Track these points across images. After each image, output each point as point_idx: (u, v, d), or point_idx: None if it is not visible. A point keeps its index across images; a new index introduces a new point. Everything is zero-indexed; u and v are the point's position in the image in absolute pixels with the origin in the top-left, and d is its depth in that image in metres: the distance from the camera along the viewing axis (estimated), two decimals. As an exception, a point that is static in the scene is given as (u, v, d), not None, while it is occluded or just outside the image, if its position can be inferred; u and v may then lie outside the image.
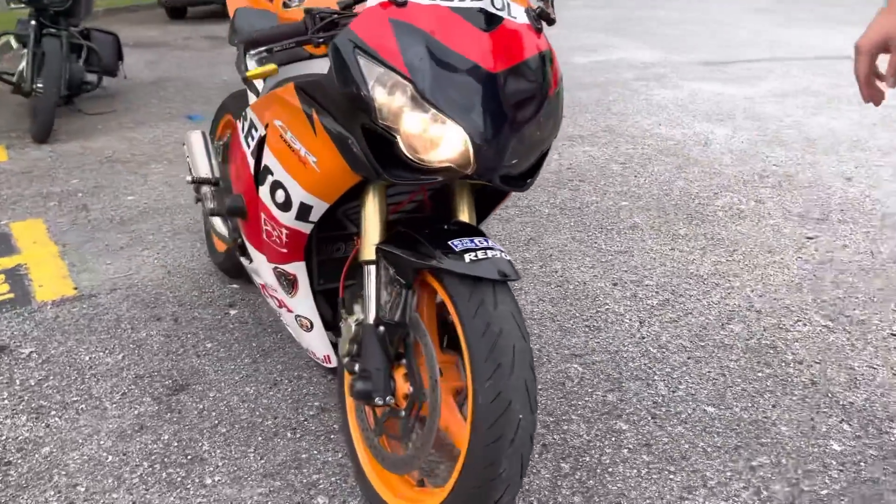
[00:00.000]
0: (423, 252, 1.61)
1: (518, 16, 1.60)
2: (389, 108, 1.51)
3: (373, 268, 1.73)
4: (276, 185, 1.84)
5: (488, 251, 1.59)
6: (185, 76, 7.61)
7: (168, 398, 2.38)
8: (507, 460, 1.50)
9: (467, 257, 1.57)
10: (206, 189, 2.65)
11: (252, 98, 2.54)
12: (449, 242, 1.60)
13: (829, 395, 2.36)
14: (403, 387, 1.71)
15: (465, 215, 1.77)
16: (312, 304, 2.01)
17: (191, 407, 2.33)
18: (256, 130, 2.01)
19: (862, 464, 2.06)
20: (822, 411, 2.28)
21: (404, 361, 1.71)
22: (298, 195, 1.78)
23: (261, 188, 1.93)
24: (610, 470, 2.03)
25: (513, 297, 1.58)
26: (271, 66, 1.68)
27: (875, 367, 2.51)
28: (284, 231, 1.89)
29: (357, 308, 1.82)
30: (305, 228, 1.86)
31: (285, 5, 2.13)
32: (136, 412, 2.30)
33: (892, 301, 2.95)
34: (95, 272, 3.25)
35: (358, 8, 1.76)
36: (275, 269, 2.03)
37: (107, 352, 2.66)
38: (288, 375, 2.50)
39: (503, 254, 1.59)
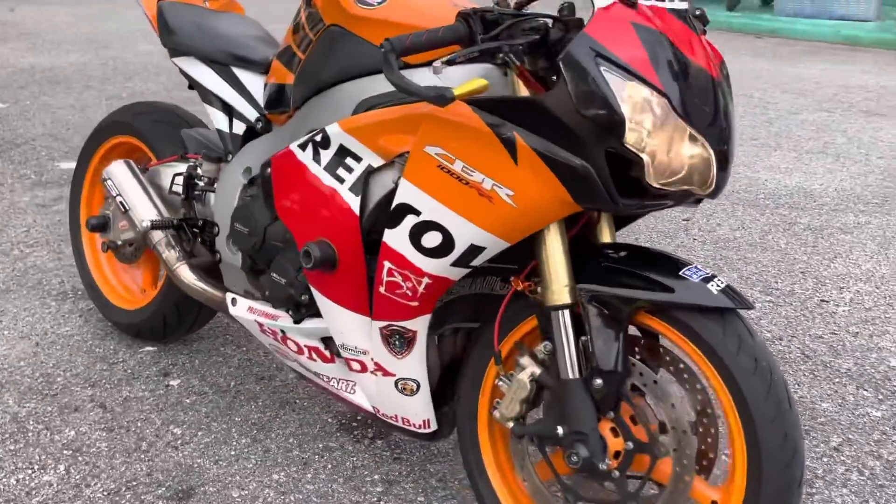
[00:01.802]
0: (649, 287, 1.41)
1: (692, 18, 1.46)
2: (641, 127, 1.29)
3: (566, 313, 1.47)
4: (426, 227, 1.48)
5: (718, 278, 1.44)
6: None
7: (182, 513, 1.83)
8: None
9: (712, 287, 1.40)
10: (161, 236, 2.07)
11: (216, 120, 2.03)
12: (680, 273, 1.42)
13: None
14: (615, 443, 1.49)
15: (607, 236, 1.59)
16: (425, 362, 1.67)
17: (224, 517, 1.82)
18: (359, 161, 1.59)
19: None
20: None
21: (611, 414, 1.49)
22: (469, 237, 1.44)
23: (389, 232, 1.53)
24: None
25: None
26: (482, 83, 1.32)
27: None
28: (426, 280, 1.53)
29: (525, 361, 1.54)
30: (457, 275, 1.53)
31: (365, 3, 1.70)
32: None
33: None
34: (-68, 362, 2.40)
35: (532, 7, 1.47)
36: (386, 327, 1.64)
37: (38, 469, 1.97)
38: (313, 449, 2.06)
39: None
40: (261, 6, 8.76)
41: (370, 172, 1.56)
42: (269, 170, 1.74)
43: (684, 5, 1.41)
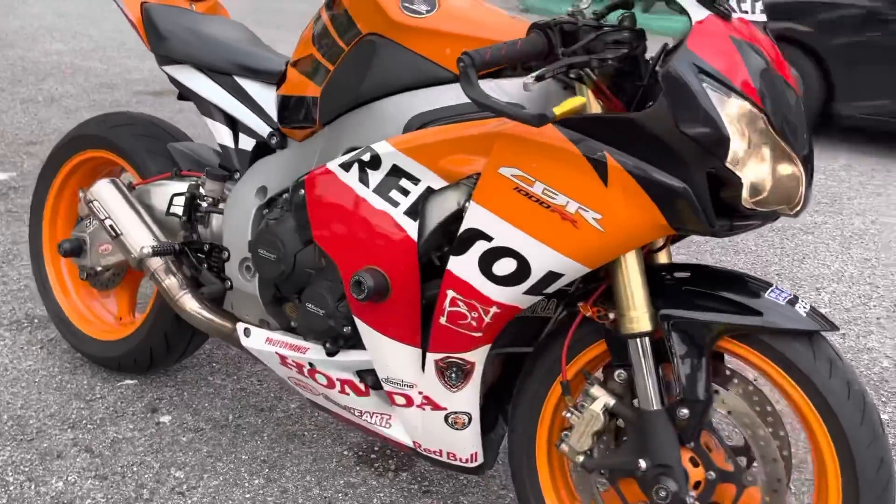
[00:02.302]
0: (737, 311, 1.36)
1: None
2: (741, 145, 1.23)
3: (646, 340, 1.40)
4: (498, 254, 1.37)
5: (802, 299, 1.40)
6: None
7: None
8: None
9: (799, 309, 1.36)
10: (160, 263, 1.88)
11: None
12: (764, 295, 1.38)
13: None
14: (695, 473, 1.43)
15: (665, 257, 1.53)
16: (479, 395, 1.57)
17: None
18: (417, 182, 1.46)
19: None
20: None
21: (691, 444, 1.43)
22: (547, 263, 1.34)
23: (455, 259, 1.42)
24: None
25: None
26: (580, 101, 1.22)
27: None
28: (493, 310, 1.42)
29: (596, 391, 1.46)
30: (527, 303, 1.43)
31: (412, 11, 1.55)
32: None
33: None
34: None
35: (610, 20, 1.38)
36: (443, 359, 1.52)
37: (29, 527, 1.76)
38: (334, 486, 1.91)
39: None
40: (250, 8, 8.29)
41: (429, 195, 1.45)
42: (302, 191, 1.60)
43: (763, 17, 1.36)
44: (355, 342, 1.62)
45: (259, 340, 1.81)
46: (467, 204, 1.40)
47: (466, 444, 1.62)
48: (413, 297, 1.50)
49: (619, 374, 1.45)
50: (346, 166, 1.52)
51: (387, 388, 1.62)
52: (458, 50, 1.46)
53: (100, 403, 2.19)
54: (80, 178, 2.33)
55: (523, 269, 1.36)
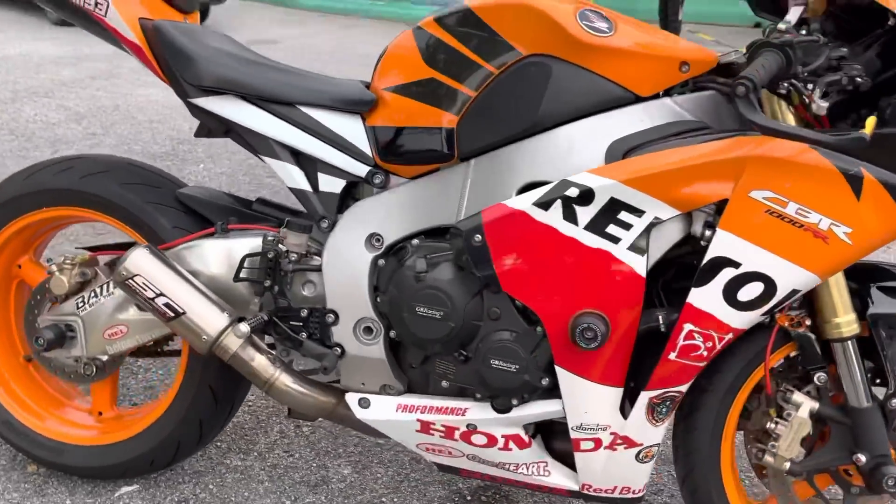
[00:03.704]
0: None
1: None
2: None
3: (854, 342, 1.46)
4: (746, 279, 1.33)
5: None
6: None
7: None
8: None
9: None
10: (239, 342, 1.52)
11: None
12: None
13: None
14: None
15: None
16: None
17: None
18: (641, 215, 1.34)
19: None
20: None
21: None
22: (792, 282, 1.34)
23: (696, 291, 1.34)
24: None
25: None
26: (873, 119, 1.20)
27: None
28: (727, 337, 1.38)
29: (798, 398, 1.49)
30: (751, 325, 1.41)
31: (595, 30, 1.36)
32: None
33: None
34: None
35: None
36: (660, 395, 1.44)
37: None
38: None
39: None
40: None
41: (652, 226, 1.35)
42: (478, 237, 1.40)
43: None
44: (541, 394, 1.48)
45: (385, 410, 1.57)
46: (706, 232, 1.34)
47: (644, 476, 1.57)
48: (630, 336, 1.41)
49: (820, 377, 1.49)
50: (544, 205, 1.37)
51: (574, 435, 1.51)
52: (640, 70, 1.40)
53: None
54: (16, 249, 1.82)
55: (769, 291, 1.35)
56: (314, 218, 1.57)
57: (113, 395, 1.87)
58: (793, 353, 1.53)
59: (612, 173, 1.35)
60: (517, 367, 1.44)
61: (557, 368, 1.44)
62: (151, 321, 1.64)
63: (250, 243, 1.59)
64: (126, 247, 1.78)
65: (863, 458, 1.48)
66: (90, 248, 1.79)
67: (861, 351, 1.46)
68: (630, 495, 1.58)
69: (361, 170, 1.55)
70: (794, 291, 1.36)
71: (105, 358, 1.69)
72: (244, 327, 1.50)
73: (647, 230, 1.36)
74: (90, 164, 1.73)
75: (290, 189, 1.59)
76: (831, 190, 1.30)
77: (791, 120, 1.39)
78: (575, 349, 1.41)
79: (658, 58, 1.40)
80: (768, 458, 1.51)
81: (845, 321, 1.44)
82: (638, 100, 1.42)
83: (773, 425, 1.51)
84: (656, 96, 1.43)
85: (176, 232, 1.67)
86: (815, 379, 1.50)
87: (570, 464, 1.58)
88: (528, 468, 1.59)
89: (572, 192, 1.36)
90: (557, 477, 1.58)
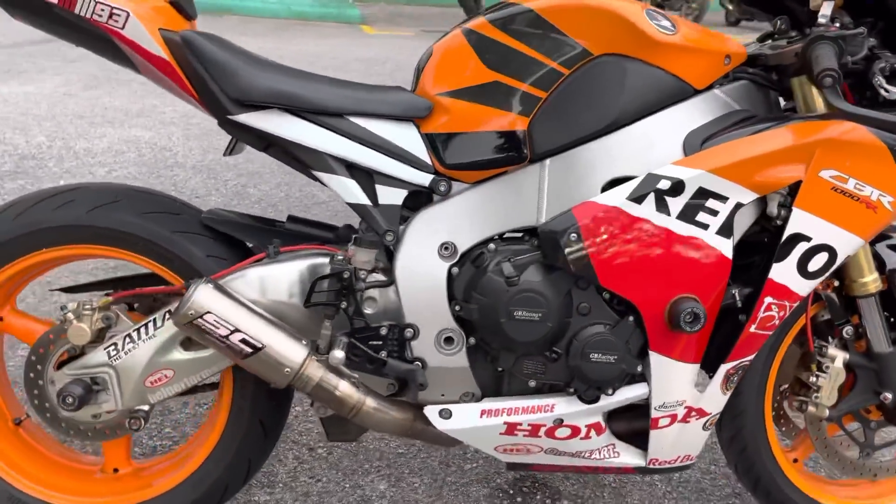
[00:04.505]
0: None
1: None
2: None
3: (877, 297, 1.65)
4: (815, 251, 1.46)
5: None
6: None
7: None
8: None
9: None
10: (322, 371, 1.43)
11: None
12: None
13: None
14: None
15: None
16: None
17: None
18: (725, 200, 1.41)
19: None
20: None
21: None
22: (849, 249, 1.48)
23: (777, 266, 1.45)
24: None
25: None
26: None
27: None
28: (794, 305, 1.51)
29: (833, 351, 1.66)
30: (810, 292, 1.55)
31: (664, 28, 1.36)
32: None
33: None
34: None
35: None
36: (735, 366, 1.54)
37: None
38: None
39: None
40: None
41: (736, 210, 1.45)
42: (573, 235, 1.42)
43: None
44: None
45: (468, 418, 1.55)
46: (783, 212, 1.45)
47: (703, 443, 1.68)
48: (713, 315, 1.50)
49: (848, 330, 1.67)
50: (637, 199, 1.42)
51: (655, 414, 1.58)
52: (698, 65, 1.49)
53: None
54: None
55: (832, 260, 1.49)
56: (378, 232, 1.51)
57: (128, 447, 1.69)
58: (820, 312, 1.70)
59: (699, 164, 1.43)
60: (615, 357, 1.48)
61: (651, 353, 1.50)
62: (201, 361, 1.51)
63: (313, 265, 1.49)
64: (137, 282, 1.62)
65: (889, 395, 1.68)
66: (77, 288, 1.61)
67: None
68: (688, 462, 1.69)
69: (424, 179, 1.50)
70: (848, 257, 1.52)
71: (146, 408, 1.52)
72: (339, 353, 1.42)
73: (732, 214, 1.45)
74: (95, 194, 1.54)
75: (349, 204, 1.51)
76: (880, 164, 1.45)
77: (820, 103, 1.53)
78: (668, 333, 1.48)
79: (711, 52, 1.49)
80: (811, 409, 1.68)
81: (871, 280, 1.62)
82: (695, 93, 1.50)
83: (814, 378, 1.67)
84: (707, 89, 1.52)
85: (211, 261, 1.53)
86: (843, 332, 1.68)
87: (633, 442, 1.65)
88: (600, 452, 1.64)
89: (664, 184, 1.42)
90: (626, 456, 1.65)
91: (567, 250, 1.43)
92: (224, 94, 1.45)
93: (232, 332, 1.39)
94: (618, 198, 1.43)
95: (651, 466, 1.66)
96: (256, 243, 1.56)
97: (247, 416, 1.60)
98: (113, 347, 1.49)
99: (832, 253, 1.48)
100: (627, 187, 1.43)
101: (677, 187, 1.42)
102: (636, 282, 1.45)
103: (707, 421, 1.62)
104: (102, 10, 1.39)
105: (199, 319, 1.38)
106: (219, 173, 4.05)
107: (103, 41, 1.44)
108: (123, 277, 1.69)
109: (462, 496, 1.88)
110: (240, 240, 1.59)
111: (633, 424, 1.64)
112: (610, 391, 1.54)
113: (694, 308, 1.43)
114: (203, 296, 1.39)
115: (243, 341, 1.40)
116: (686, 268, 1.45)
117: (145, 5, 1.43)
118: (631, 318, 1.49)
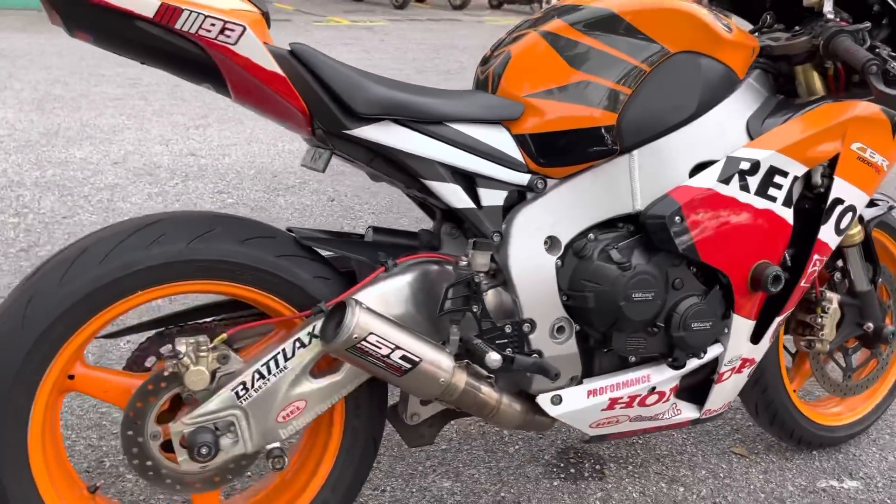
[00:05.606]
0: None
1: None
2: None
3: (856, 248, 1.97)
4: (847, 211, 1.73)
5: None
6: None
7: None
8: None
9: None
10: (466, 376, 1.43)
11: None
12: None
13: None
14: None
15: None
16: None
17: None
18: (786, 175, 1.61)
19: None
20: None
21: None
22: (862, 206, 1.78)
23: (824, 227, 1.70)
24: None
25: None
26: None
27: None
28: (824, 259, 1.78)
29: (829, 295, 1.96)
30: None
31: (727, 27, 1.46)
32: None
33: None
34: None
35: None
36: (783, 318, 1.77)
37: None
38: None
39: None
40: None
41: (793, 182, 1.66)
42: (677, 218, 1.55)
43: None
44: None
45: (577, 400, 1.64)
46: (824, 181, 1.70)
47: (734, 391, 1.91)
48: None
49: (836, 276, 1.99)
50: (725, 180, 1.58)
51: (723, 369, 1.77)
52: (744, 58, 1.68)
53: None
54: (73, 356, 1.41)
55: (853, 216, 1.77)
56: (486, 234, 1.54)
57: (218, 493, 1.57)
58: None
59: (768, 145, 1.62)
60: (711, 323, 1.64)
61: (735, 316, 1.69)
62: (333, 386, 1.45)
63: (432, 273, 1.49)
64: (191, 316, 1.53)
65: (871, 324, 2.02)
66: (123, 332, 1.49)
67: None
68: (727, 409, 1.91)
69: (522, 178, 1.56)
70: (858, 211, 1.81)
71: (277, 445, 1.44)
72: (496, 356, 1.44)
73: (791, 187, 1.67)
74: (187, 224, 1.41)
75: (458, 210, 1.53)
76: (885, 135, 1.75)
77: (820, 87, 1.79)
78: (748, 296, 1.67)
79: (749, 46, 1.69)
80: (818, 345, 1.97)
81: (856, 231, 1.94)
82: (739, 82, 1.69)
83: (820, 319, 1.96)
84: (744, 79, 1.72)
85: (318, 282, 1.48)
86: (833, 278, 1.99)
87: (683, 397, 1.84)
88: (668, 413, 1.81)
89: (744, 165, 1.60)
90: (686, 412, 1.83)
91: (674, 230, 1.57)
92: (341, 109, 1.40)
93: (393, 350, 1.37)
94: (710, 180, 1.58)
95: (703, 417, 1.86)
96: (363, 258, 1.52)
97: (362, 437, 1.57)
98: (241, 387, 1.39)
99: (854, 211, 1.76)
100: (714, 170, 1.59)
101: (755, 167, 1.61)
102: (728, 254, 1.63)
103: (753, 368, 1.85)
104: (213, 24, 1.28)
105: (364, 342, 1.34)
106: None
107: (198, 58, 1.32)
108: (178, 313, 1.56)
109: (522, 478, 1.96)
110: (326, 258, 1.54)
111: (689, 381, 1.82)
112: (703, 355, 1.70)
113: (776, 271, 1.64)
114: (365, 318, 1.34)
115: (403, 358, 1.38)
116: (764, 237, 1.65)
117: (250, 17, 1.33)
118: (717, 287, 1.67)
